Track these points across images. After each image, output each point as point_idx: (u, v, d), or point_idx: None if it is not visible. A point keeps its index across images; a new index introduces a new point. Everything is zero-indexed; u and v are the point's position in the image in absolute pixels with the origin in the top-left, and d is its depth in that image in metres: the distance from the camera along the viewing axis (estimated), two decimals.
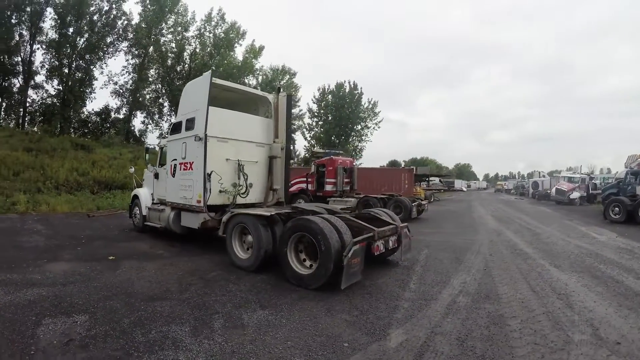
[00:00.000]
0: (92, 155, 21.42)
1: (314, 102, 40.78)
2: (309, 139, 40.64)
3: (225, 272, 5.53)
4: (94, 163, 19.99)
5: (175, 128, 7.80)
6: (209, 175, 6.63)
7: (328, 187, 14.51)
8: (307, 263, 4.92)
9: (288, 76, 38.93)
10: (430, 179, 40.91)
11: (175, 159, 7.67)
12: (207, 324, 3.50)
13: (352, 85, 40.06)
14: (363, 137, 39.87)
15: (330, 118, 39.40)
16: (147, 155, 10.00)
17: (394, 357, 2.81)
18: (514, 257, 6.67)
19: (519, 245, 8.32)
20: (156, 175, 8.75)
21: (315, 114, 40.56)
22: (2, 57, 21.90)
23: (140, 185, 9.86)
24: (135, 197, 9.51)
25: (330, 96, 39.94)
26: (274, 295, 4.40)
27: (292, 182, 16.02)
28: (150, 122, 32.15)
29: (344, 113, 38.71)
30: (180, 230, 7.50)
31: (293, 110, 38.72)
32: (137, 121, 30.81)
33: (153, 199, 8.86)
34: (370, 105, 40.53)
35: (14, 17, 22.25)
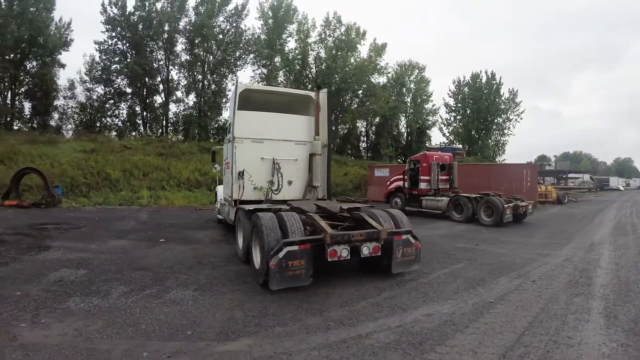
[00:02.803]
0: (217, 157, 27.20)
1: (450, 96, 42.56)
2: (447, 134, 42.39)
3: (224, 260, 6.89)
4: None
5: (226, 131, 9.77)
6: (240, 173, 8.10)
7: (422, 185, 15.04)
8: None
9: (417, 71, 40.81)
10: (571, 175, 40.10)
11: (225, 159, 9.61)
12: (140, 291, 4.90)
13: (490, 75, 40.74)
14: (505, 131, 41.22)
15: (468, 112, 40.86)
16: (213, 156, 12.49)
17: None
18: (563, 289, 5.50)
19: (599, 270, 6.67)
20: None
21: (452, 108, 42.19)
22: (146, 79, 30.54)
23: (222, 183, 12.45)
24: (216, 193, 12.14)
25: (466, 88, 41.37)
26: (222, 283, 5.37)
27: (391, 180, 17.41)
28: None
29: (482, 105, 39.62)
30: (233, 223, 9.29)
31: (426, 106, 41.94)
32: None
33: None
34: (511, 96, 40.72)
35: (150, 46, 31.35)
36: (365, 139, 41.56)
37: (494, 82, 40.41)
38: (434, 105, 42.27)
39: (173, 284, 5.22)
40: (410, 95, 40.55)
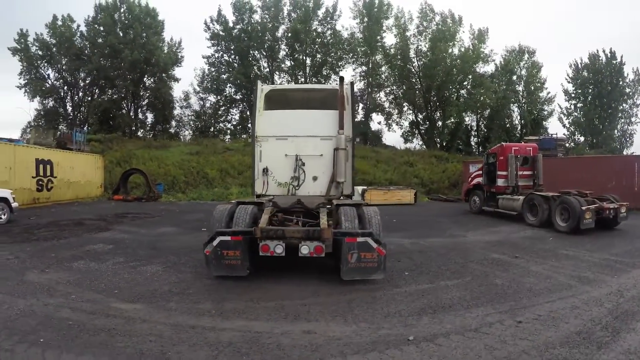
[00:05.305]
0: None
1: (568, 82, 40.25)
2: (567, 125, 39.95)
3: None
4: None
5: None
6: (264, 170, 9.56)
7: (499, 182, 14.48)
8: None
9: (527, 56, 39.75)
10: None
11: None
12: (128, 262, 6.88)
13: (609, 55, 37.93)
14: (632, 119, 38.25)
15: (589, 98, 38.51)
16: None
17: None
18: (548, 346, 4.04)
19: None
20: None
21: (572, 95, 39.70)
22: (252, 86, 35.64)
23: None
24: None
25: (585, 72, 39.05)
26: (191, 265, 6.82)
27: (472, 176, 17.23)
28: (387, 122, 40.85)
29: (603, 90, 37.26)
30: None
31: (541, 94, 40.63)
32: (374, 123, 41.98)
33: None
34: (636, 77, 37.60)
35: (253, 55, 37.10)
36: (476, 132, 40.90)
37: (615, 62, 37.39)
38: (548, 93, 40.64)
39: (157, 261, 7.03)
40: (522, 83, 39.82)
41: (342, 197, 8.82)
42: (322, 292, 5.44)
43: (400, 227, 11.85)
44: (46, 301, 4.71)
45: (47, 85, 34.24)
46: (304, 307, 4.90)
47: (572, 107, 39.81)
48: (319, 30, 36.66)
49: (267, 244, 5.44)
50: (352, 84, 9.47)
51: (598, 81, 38.10)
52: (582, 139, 38.07)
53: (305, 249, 5.40)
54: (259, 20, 35.49)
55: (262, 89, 9.54)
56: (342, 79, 9.41)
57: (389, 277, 6.12)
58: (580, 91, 39.56)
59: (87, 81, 35.04)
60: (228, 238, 5.47)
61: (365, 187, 20.88)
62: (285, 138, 9.16)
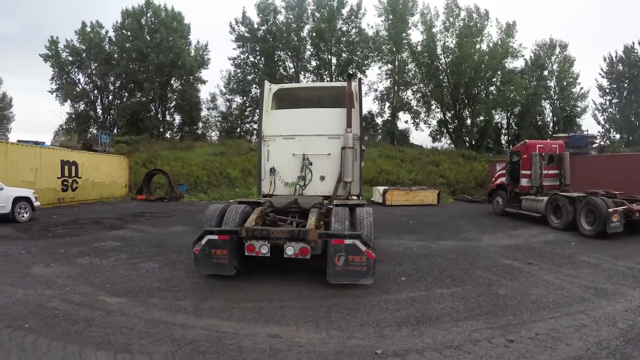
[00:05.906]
0: None
1: (602, 76, 39.30)
2: (602, 122, 39.07)
3: None
4: None
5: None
6: (272, 169, 9.80)
7: (523, 181, 14.14)
8: None
9: (558, 50, 39.03)
10: None
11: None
12: (129, 259, 7.30)
13: None
14: None
15: (625, 93, 37.61)
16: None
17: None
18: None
19: None
20: None
21: (607, 90, 38.85)
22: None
23: None
24: None
25: (620, 65, 37.85)
26: (188, 263, 6.99)
27: (495, 175, 17.07)
28: (414, 121, 40.51)
29: (639, 84, 36.09)
30: None
31: (574, 90, 40.02)
32: (401, 122, 42.31)
33: None
34: None
35: (279, 55, 37.95)
36: (506, 130, 40.39)
37: None
38: (582, 89, 39.87)
39: (157, 258, 7.40)
40: (554, 78, 39.10)
41: (351, 197, 8.81)
42: (305, 295, 5.41)
43: (415, 229, 11.75)
44: (42, 292, 5.17)
45: (78, 90, 36.56)
46: (281, 309, 4.89)
47: (607, 103, 38.89)
48: (344, 29, 37.07)
49: (252, 243, 5.51)
50: (359, 80, 9.42)
51: (634, 75, 36.98)
52: (617, 136, 37.12)
53: (290, 250, 5.40)
54: (284, 21, 36.39)
55: (270, 88, 9.64)
56: (349, 75, 9.37)
57: (383, 282, 6.02)
58: (615, 86, 38.73)
59: (117, 85, 37.12)
60: (215, 237, 5.60)
61: (386, 187, 20.82)
62: (292, 137, 9.26)
